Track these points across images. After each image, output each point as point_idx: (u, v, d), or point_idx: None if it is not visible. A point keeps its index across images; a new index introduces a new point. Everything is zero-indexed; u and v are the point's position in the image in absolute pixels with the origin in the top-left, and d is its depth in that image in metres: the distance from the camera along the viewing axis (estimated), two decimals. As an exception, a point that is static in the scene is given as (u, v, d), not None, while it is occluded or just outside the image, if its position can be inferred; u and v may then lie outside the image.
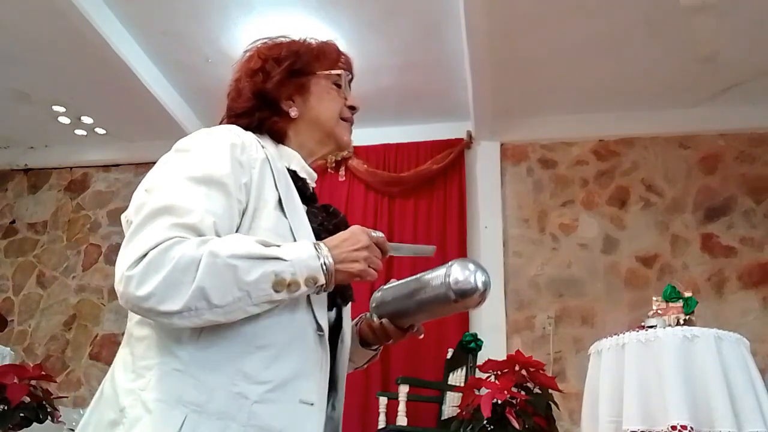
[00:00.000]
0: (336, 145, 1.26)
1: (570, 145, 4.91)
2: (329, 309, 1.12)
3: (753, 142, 4.69)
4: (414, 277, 1.15)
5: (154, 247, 0.91)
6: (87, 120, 5.22)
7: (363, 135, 4.98)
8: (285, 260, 0.96)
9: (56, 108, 5.06)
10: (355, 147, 5.01)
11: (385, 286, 1.22)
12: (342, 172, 5.01)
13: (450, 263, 1.10)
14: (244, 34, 4.08)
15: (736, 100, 4.59)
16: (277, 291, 0.95)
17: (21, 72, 4.60)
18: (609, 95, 4.65)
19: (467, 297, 1.07)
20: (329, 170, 4.99)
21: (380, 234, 1.08)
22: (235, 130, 1.10)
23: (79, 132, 5.38)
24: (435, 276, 1.10)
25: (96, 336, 5.09)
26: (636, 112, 4.78)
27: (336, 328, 1.16)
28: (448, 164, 4.85)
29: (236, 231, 1.02)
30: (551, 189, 4.84)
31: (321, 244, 1.02)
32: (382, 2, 3.90)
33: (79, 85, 4.71)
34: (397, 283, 1.20)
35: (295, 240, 1.04)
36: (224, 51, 4.26)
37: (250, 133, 1.12)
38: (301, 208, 1.12)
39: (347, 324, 1.19)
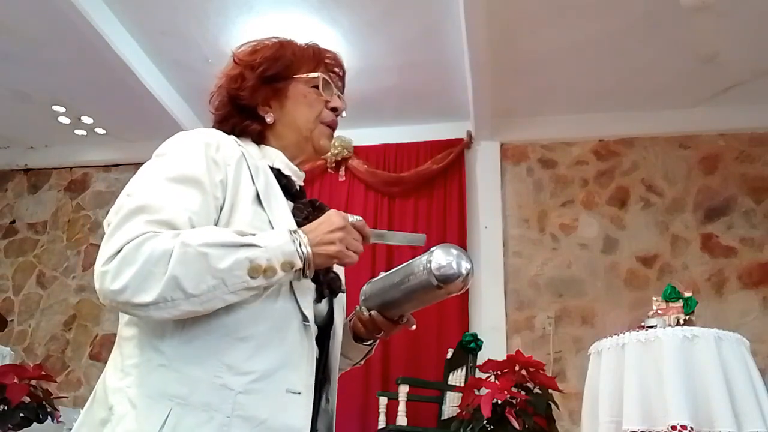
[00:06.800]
0: (313, 150, 1.25)
1: (570, 145, 4.91)
2: (318, 301, 1.12)
3: (753, 142, 4.69)
4: (399, 266, 1.15)
5: (128, 243, 0.94)
6: (87, 120, 5.22)
7: (363, 135, 4.99)
8: (259, 246, 0.97)
9: (56, 108, 5.06)
10: (355, 147, 5.01)
11: (374, 279, 1.22)
12: (342, 172, 5.00)
13: (432, 249, 1.09)
14: (243, 34, 4.07)
15: (736, 100, 4.59)
16: (253, 277, 0.96)
17: (21, 72, 4.60)
18: (609, 95, 4.65)
19: (450, 282, 1.06)
20: (329, 170, 4.99)
21: (359, 218, 1.08)
22: (211, 131, 1.12)
23: (79, 132, 5.39)
24: (418, 263, 1.09)
25: (96, 336, 5.09)
26: (636, 112, 4.78)
27: (328, 320, 1.17)
28: (448, 164, 4.85)
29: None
30: (551, 189, 4.84)
31: (298, 230, 1.03)
32: (382, 2, 3.90)
33: (79, 85, 4.71)
34: (384, 274, 1.20)
35: None
36: (224, 51, 4.23)
37: (226, 135, 1.14)
38: (283, 204, 1.13)
39: (339, 316, 1.20)
